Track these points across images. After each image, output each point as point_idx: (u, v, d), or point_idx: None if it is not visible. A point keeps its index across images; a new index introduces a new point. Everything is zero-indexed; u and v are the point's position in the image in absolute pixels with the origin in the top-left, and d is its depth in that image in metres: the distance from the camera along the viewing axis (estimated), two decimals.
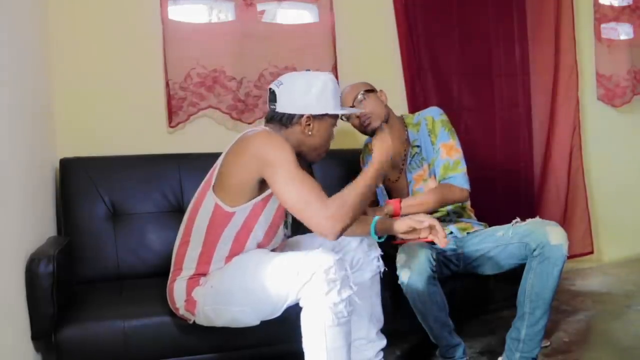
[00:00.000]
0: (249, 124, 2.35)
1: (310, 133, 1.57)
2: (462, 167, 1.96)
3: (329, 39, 2.49)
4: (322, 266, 1.29)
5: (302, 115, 1.55)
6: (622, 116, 3.26)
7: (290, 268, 1.34)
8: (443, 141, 1.98)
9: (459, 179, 1.94)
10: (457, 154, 1.97)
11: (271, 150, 1.44)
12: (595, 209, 3.15)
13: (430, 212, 1.93)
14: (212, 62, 2.30)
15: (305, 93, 1.55)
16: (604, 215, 3.20)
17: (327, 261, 1.30)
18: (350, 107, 1.97)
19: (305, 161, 1.67)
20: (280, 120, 1.57)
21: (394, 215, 1.90)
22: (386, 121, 2.02)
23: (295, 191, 1.39)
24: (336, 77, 2.46)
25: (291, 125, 1.57)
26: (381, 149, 1.58)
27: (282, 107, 1.57)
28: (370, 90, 2.02)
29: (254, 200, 1.51)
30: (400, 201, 1.93)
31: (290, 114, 1.56)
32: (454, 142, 1.98)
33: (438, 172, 1.98)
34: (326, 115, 1.58)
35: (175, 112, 2.27)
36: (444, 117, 2.02)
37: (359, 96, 1.98)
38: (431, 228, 1.57)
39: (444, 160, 1.96)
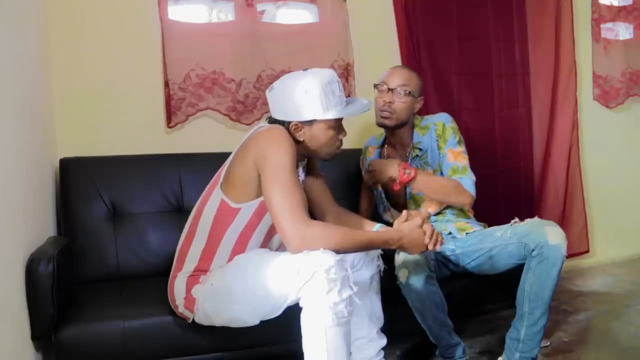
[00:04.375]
0: (248, 124, 2.35)
1: (302, 139, 1.56)
2: (472, 176, 1.96)
3: (328, 39, 2.49)
4: (322, 266, 1.29)
5: (290, 122, 1.54)
6: (617, 116, 3.27)
7: (291, 267, 1.34)
8: (451, 147, 1.98)
9: (468, 182, 1.94)
10: (465, 161, 1.97)
11: (269, 148, 1.45)
12: (591, 208, 3.15)
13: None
14: (211, 64, 2.30)
15: (286, 102, 1.53)
16: (600, 215, 3.21)
17: (327, 261, 1.30)
18: (386, 86, 1.95)
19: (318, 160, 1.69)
20: None
21: (401, 182, 1.88)
22: (402, 126, 2.01)
23: (276, 193, 1.40)
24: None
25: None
26: (412, 245, 1.52)
27: (273, 113, 1.59)
28: (412, 95, 1.97)
29: (260, 199, 1.52)
30: (417, 172, 1.88)
31: (280, 121, 1.56)
32: (461, 150, 1.98)
33: (446, 173, 1.98)
34: (315, 120, 1.54)
35: (174, 112, 2.27)
36: (455, 125, 2.02)
37: (400, 89, 1.95)
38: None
39: (451, 163, 1.97)
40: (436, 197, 1.95)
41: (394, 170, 1.90)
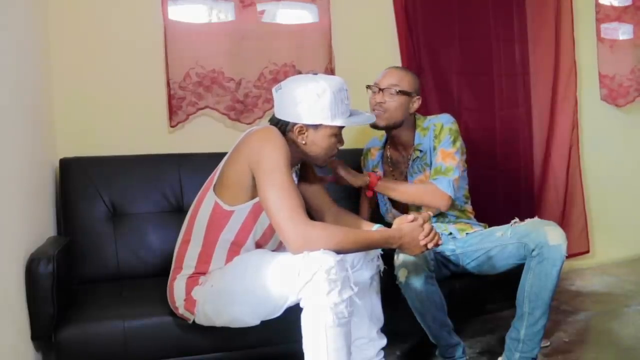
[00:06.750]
0: (248, 124, 2.35)
1: (304, 142, 1.55)
2: (453, 175, 1.90)
3: (328, 39, 2.49)
4: (323, 266, 1.29)
5: (295, 124, 1.53)
6: (625, 116, 3.26)
7: (291, 268, 1.34)
8: (443, 147, 1.94)
9: (444, 182, 1.88)
10: (452, 162, 1.92)
11: (263, 149, 1.44)
12: (591, 208, 3.15)
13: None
14: (210, 63, 2.30)
15: (296, 103, 1.51)
16: (600, 215, 3.20)
17: (328, 262, 1.30)
18: (378, 88, 1.94)
19: (313, 165, 1.69)
20: (279, 127, 1.55)
21: (369, 188, 1.91)
22: (398, 126, 1.99)
23: (273, 194, 1.39)
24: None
25: (287, 132, 1.54)
26: (412, 245, 1.52)
27: (277, 113, 1.57)
28: (405, 93, 1.95)
29: (253, 201, 1.52)
30: (380, 178, 1.91)
31: (284, 121, 1.55)
32: (452, 151, 1.93)
33: (431, 173, 1.95)
34: (322, 125, 1.53)
35: (174, 111, 2.27)
36: (453, 126, 1.97)
37: (392, 89, 1.94)
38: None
39: (437, 163, 1.93)
40: (411, 201, 1.94)
41: (362, 179, 1.91)
